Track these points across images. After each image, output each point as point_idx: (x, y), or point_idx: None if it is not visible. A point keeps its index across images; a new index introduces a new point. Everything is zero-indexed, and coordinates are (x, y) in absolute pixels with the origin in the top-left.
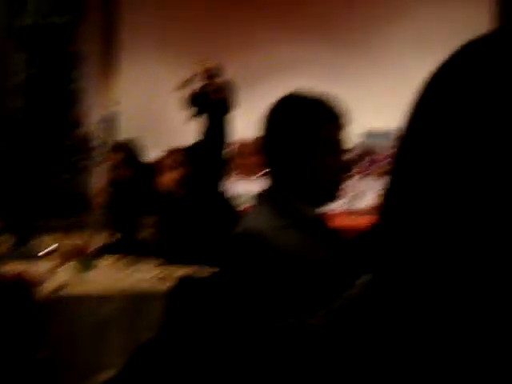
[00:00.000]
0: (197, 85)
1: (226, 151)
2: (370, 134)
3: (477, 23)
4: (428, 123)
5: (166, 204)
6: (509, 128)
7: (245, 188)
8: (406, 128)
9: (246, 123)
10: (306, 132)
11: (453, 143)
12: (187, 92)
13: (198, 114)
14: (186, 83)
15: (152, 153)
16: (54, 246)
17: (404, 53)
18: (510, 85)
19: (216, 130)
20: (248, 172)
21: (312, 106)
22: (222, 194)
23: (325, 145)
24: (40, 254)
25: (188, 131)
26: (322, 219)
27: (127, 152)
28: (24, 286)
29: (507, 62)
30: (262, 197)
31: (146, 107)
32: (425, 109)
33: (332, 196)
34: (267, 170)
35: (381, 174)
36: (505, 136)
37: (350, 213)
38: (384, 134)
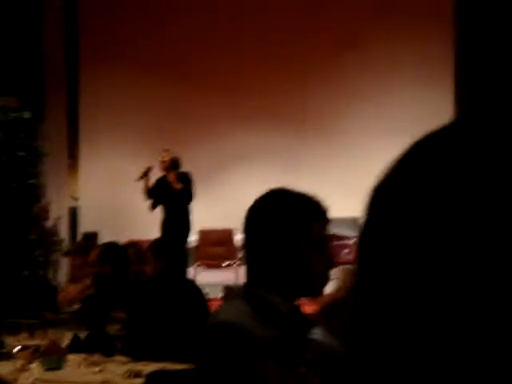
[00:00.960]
0: (153, 177)
1: (187, 241)
2: (336, 223)
3: (440, 108)
4: (384, 217)
5: (134, 298)
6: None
7: (207, 278)
8: (365, 220)
9: (206, 213)
10: (295, 230)
11: (407, 240)
12: (145, 184)
13: (156, 205)
14: (144, 175)
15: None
16: (21, 344)
17: (364, 140)
18: (463, 180)
19: (175, 221)
20: (210, 262)
21: (300, 204)
22: (190, 284)
23: (314, 242)
24: (8, 352)
25: (148, 222)
26: (298, 311)
27: (102, 249)
28: None
29: (463, 157)
30: (232, 291)
31: (105, 200)
32: (381, 205)
33: (321, 290)
34: (245, 265)
35: (349, 262)
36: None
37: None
38: (350, 222)
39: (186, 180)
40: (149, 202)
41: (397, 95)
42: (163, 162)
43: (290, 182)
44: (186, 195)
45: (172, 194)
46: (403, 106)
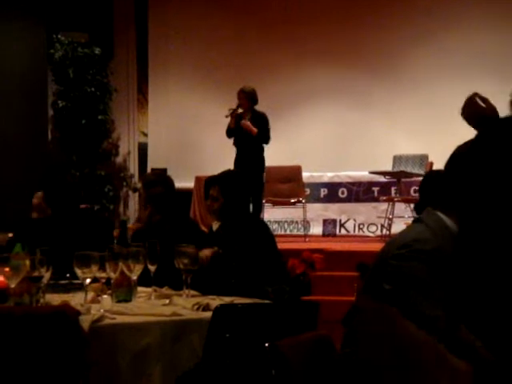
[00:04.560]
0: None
1: (262, 179)
2: (405, 160)
3: (504, 46)
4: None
5: (202, 237)
6: None
7: (275, 215)
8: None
9: (274, 150)
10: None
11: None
12: (230, 122)
13: (235, 144)
14: (232, 113)
15: (181, 182)
16: (92, 277)
17: (431, 79)
18: None
19: (249, 161)
20: (278, 199)
21: None
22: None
23: None
24: (79, 285)
25: (216, 159)
26: None
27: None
28: (67, 316)
29: None
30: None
31: (174, 136)
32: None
33: None
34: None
35: (408, 201)
36: None
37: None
38: (418, 159)
39: (261, 121)
40: (225, 140)
41: (466, 40)
42: (240, 101)
43: (358, 120)
44: (262, 137)
45: (248, 135)
46: (472, 52)
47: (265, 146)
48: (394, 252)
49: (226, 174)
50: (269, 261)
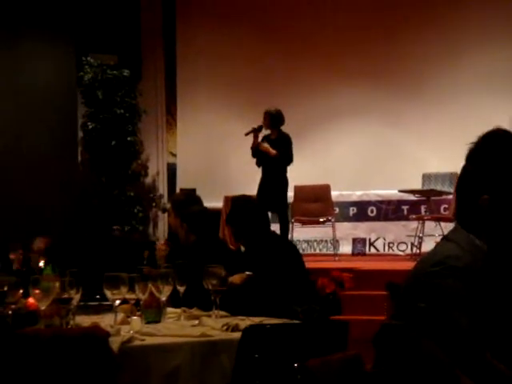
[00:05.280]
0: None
1: (285, 202)
2: (434, 178)
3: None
4: None
5: (233, 257)
6: None
7: (304, 234)
8: None
9: (302, 169)
10: None
11: None
12: (253, 141)
13: (259, 163)
14: (251, 132)
15: (210, 203)
16: (121, 298)
17: (459, 95)
18: None
19: (272, 182)
20: (306, 218)
21: None
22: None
23: None
24: (108, 306)
25: (244, 180)
26: None
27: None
28: (97, 337)
29: None
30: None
31: (202, 156)
32: None
33: None
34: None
35: (438, 219)
36: None
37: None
38: (448, 178)
39: (285, 142)
40: (253, 160)
41: (494, 56)
42: (264, 122)
43: (386, 138)
44: (284, 158)
45: (269, 156)
46: (500, 68)
47: (291, 165)
48: (428, 270)
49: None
50: (296, 280)
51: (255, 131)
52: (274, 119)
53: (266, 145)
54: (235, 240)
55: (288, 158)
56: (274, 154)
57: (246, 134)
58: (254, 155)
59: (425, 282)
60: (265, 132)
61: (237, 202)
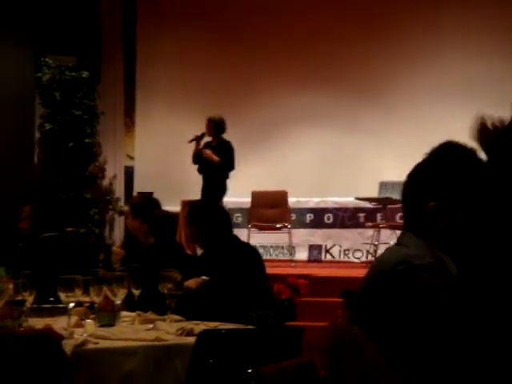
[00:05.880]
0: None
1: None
2: (391, 186)
3: (501, 83)
4: None
5: (189, 261)
6: None
7: (260, 240)
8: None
9: (259, 175)
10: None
11: None
12: (195, 148)
13: (200, 170)
14: (194, 139)
15: (167, 206)
16: (76, 301)
17: (419, 104)
18: None
19: (213, 188)
20: (263, 224)
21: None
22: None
23: None
24: (62, 309)
25: (201, 184)
26: None
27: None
28: (50, 340)
29: None
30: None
31: (160, 160)
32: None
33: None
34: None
35: (394, 227)
36: None
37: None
38: (397, 186)
39: (226, 150)
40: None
41: (455, 65)
42: (207, 129)
43: (344, 145)
44: (226, 165)
45: (210, 163)
46: (460, 77)
47: (237, 172)
48: (389, 271)
49: (193, 205)
50: (253, 286)
51: (198, 139)
52: (217, 127)
53: (208, 151)
54: (191, 241)
55: (229, 165)
56: (217, 160)
57: (190, 142)
58: (194, 162)
59: (389, 283)
60: (206, 139)
61: (203, 205)
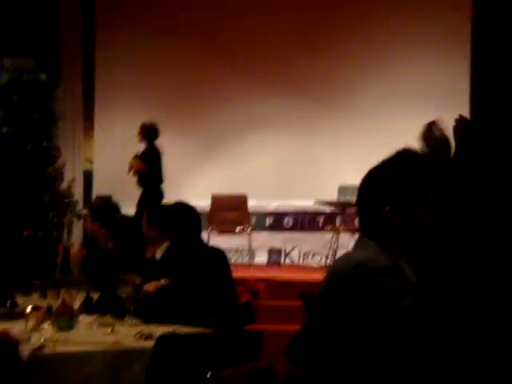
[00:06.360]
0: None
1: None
2: (350, 190)
3: (455, 82)
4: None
5: (148, 265)
6: None
7: (220, 243)
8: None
9: (219, 178)
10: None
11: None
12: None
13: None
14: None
15: (126, 209)
16: (33, 304)
17: (376, 109)
18: None
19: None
20: (223, 227)
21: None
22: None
23: None
24: (20, 312)
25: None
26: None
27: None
28: (6, 344)
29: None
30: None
31: (119, 164)
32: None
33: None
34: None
35: (353, 231)
36: None
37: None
38: (357, 190)
39: (153, 157)
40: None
41: (413, 68)
42: (138, 135)
43: (304, 148)
44: (152, 172)
45: (143, 173)
46: (419, 79)
47: (206, 173)
48: (346, 274)
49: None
50: (214, 289)
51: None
52: (147, 133)
53: (133, 162)
54: (149, 242)
55: (155, 172)
56: (141, 168)
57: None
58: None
59: (345, 286)
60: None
61: (177, 206)
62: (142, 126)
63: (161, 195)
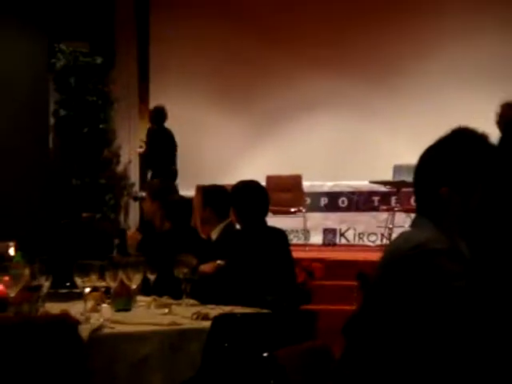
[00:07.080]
0: None
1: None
2: (407, 170)
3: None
4: None
5: (204, 246)
6: None
7: (275, 224)
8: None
9: (274, 159)
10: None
11: None
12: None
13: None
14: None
15: (182, 191)
16: (92, 286)
17: (432, 87)
18: None
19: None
20: (278, 208)
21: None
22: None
23: None
24: (78, 294)
25: (217, 169)
26: None
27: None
28: (66, 325)
29: None
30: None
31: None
32: None
33: None
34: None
35: (408, 211)
36: None
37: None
38: (412, 169)
39: (154, 139)
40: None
41: (470, 48)
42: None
43: (358, 129)
44: (152, 153)
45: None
46: (475, 60)
47: (259, 155)
48: (404, 255)
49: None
50: (271, 269)
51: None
52: (153, 116)
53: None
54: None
55: (161, 154)
56: (141, 151)
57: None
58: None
59: (404, 267)
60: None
61: (246, 183)
62: (150, 109)
63: (170, 178)
